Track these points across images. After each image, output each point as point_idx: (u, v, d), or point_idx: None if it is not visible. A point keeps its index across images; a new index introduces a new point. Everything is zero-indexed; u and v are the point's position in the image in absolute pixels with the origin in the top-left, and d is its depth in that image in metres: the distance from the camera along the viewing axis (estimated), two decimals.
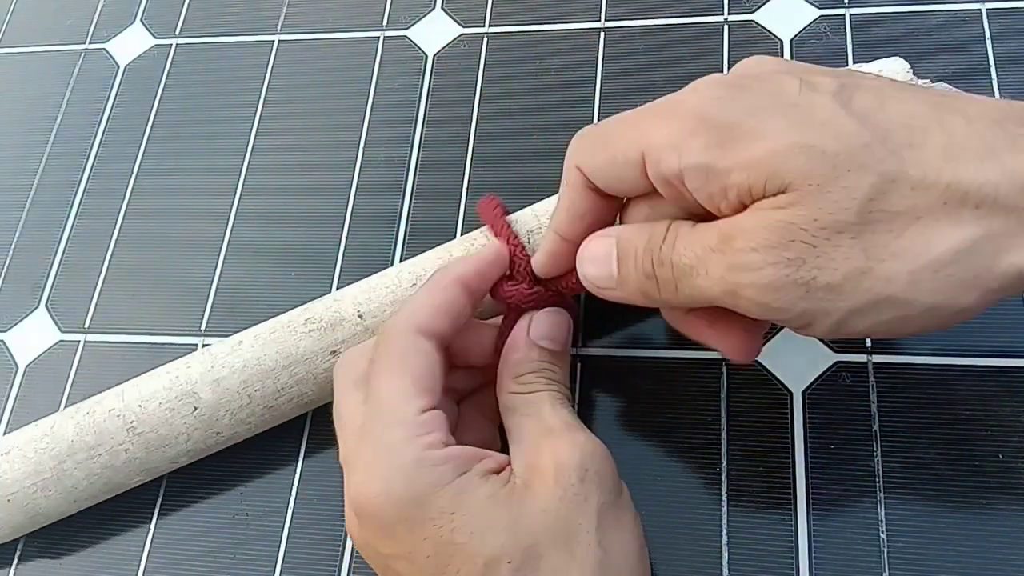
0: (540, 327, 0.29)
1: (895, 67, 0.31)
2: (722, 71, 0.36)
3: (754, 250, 0.21)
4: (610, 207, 0.27)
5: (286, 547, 0.32)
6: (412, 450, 0.25)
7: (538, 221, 0.31)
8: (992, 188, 0.20)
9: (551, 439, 0.26)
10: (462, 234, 0.36)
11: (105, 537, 0.33)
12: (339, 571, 0.31)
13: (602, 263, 0.26)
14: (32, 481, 0.31)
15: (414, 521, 0.24)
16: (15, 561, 0.34)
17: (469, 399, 0.30)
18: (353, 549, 0.31)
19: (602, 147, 0.25)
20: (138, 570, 0.33)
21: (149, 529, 0.33)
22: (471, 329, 0.30)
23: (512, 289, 0.29)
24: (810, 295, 0.21)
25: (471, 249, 0.31)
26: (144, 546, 0.33)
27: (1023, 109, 0.22)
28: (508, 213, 0.31)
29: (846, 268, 0.21)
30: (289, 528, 0.32)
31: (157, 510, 0.34)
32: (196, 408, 0.30)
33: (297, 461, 0.33)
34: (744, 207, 0.22)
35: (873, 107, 0.22)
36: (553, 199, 0.31)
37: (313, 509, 0.33)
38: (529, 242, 0.30)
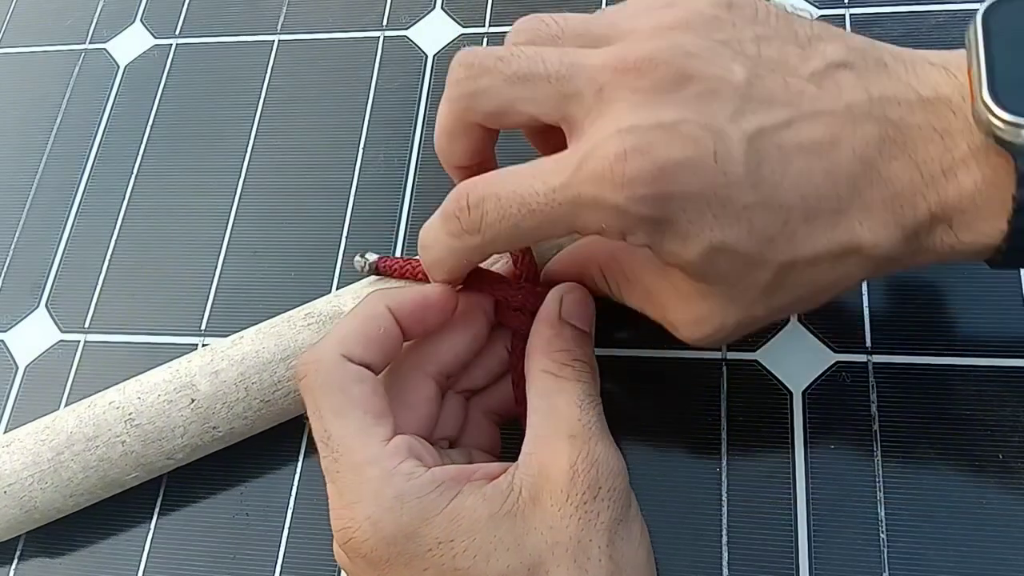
0: (571, 306, 0.28)
1: None
2: None
3: (676, 322, 0.26)
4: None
5: (286, 547, 0.32)
6: (392, 486, 0.24)
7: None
8: (870, 244, 0.23)
9: (571, 446, 0.25)
10: None
11: (105, 537, 0.33)
12: (339, 571, 0.31)
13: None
14: (29, 472, 0.31)
15: (411, 556, 0.23)
16: (15, 561, 0.34)
17: (476, 397, 0.30)
18: None
19: (517, 240, 0.26)
20: (138, 570, 0.33)
21: (149, 529, 0.33)
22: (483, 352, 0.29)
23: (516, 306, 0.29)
24: (724, 339, 0.26)
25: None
26: (144, 546, 0.33)
27: (878, 160, 0.23)
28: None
29: (750, 316, 0.25)
30: (289, 528, 0.32)
31: (157, 510, 0.34)
32: (193, 400, 0.30)
33: (297, 461, 0.33)
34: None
35: (775, 178, 0.23)
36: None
37: (313, 509, 0.33)
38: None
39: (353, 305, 0.30)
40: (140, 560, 0.33)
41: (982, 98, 0.21)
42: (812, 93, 0.23)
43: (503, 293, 0.29)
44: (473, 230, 0.25)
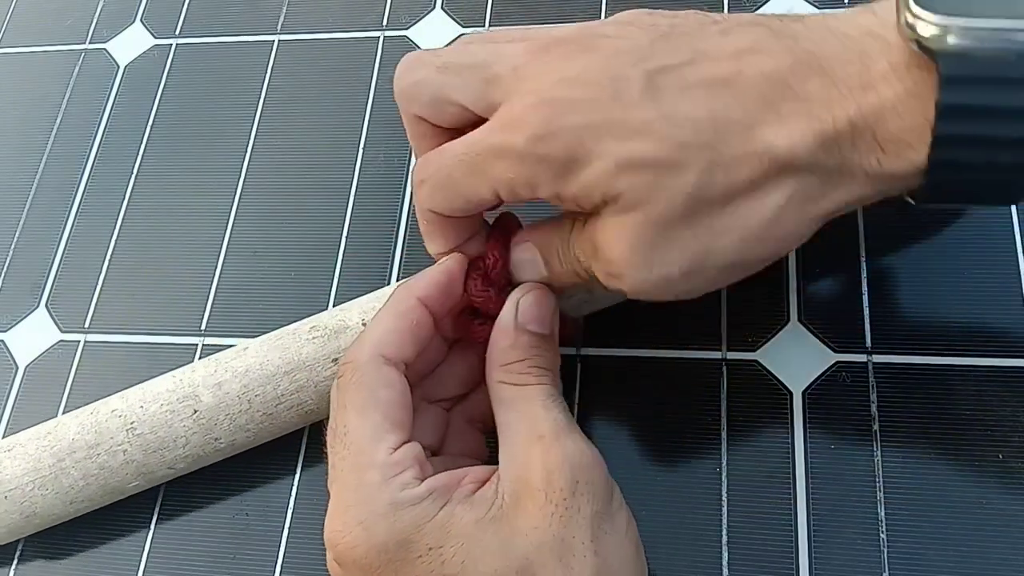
0: (527, 310, 0.28)
1: None
2: None
3: (614, 260, 0.25)
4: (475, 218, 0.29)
5: (286, 547, 0.32)
6: (387, 493, 0.24)
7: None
8: (785, 152, 0.23)
9: (541, 447, 0.25)
10: None
11: (105, 538, 0.33)
12: None
13: (530, 267, 0.28)
14: (31, 478, 0.31)
15: (402, 563, 0.24)
16: (14, 562, 0.34)
17: (458, 407, 0.30)
18: None
19: (453, 195, 0.26)
20: (138, 570, 0.33)
21: (149, 530, 0.33)
22: (445, 362, 0.29)
23: (482, 293, 0.28)
24: (671, 284, 0.25)
25: None
26: (144, 547, 0.33)
27: (806, 57, 0.23)
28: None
29: (691, 255, 0.24)
30: (289, 528, 0.32)
31: (157, 510, 0.34)
32: (196, 411, 0.30)
33: (297, 461, 0.33)
34: (602, 205, 0.25)
35: (678, 98, 0.23)
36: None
37: (313, 509, 0.33)
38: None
39: (359, 319, 0.30)
40: (140, 560, 0.33)
41: (909, 8, 0.21)
42: (716, 40, 0.24)
43: (477, 299, 0.28)
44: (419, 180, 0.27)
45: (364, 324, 0.30)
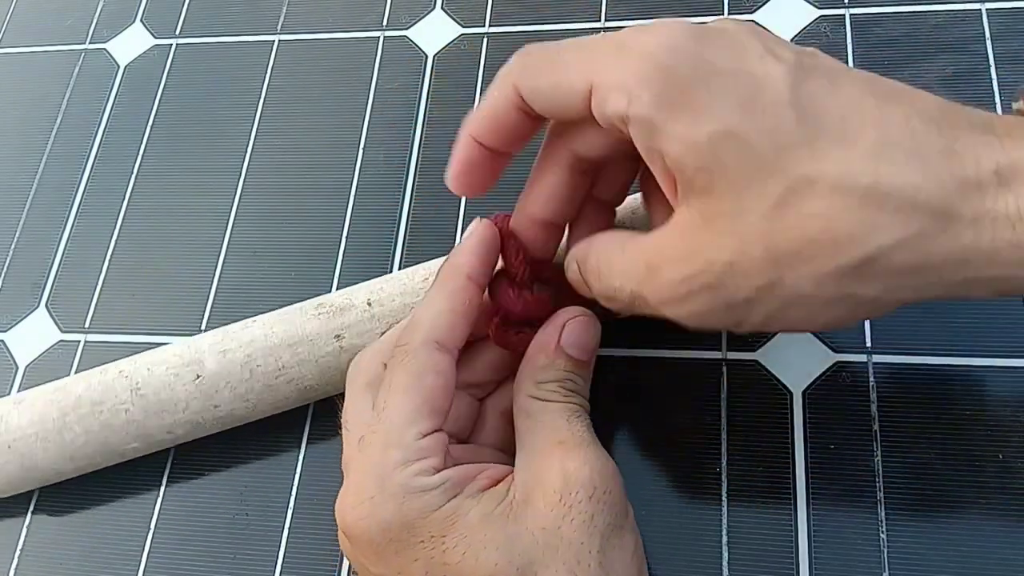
0: (572, 335, 0.28)
1: None
2: None
3: (678, 282, 0.23)
4: (532, 127, 0.26)
5: (286, 547, 0.32)
6: (403, 476, 0.24)
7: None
8: (913, 190, 0.20)
9: (562, 451, 0.25)
10: (462, 234, 0.36)
11: (105, 537, 0.33)
12: (339, 571, 0.31)
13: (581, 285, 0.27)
14: (35, 430, 0.31)
15: (403, 544, 0.24)
16: (15, 561, 0.34)
17: (491, 399, 0.30)
18: None
19: (549, 71, 0.24)
20: (138, 570, 0.33)
21: (149, 529, 0.33)
22: (474, 347, 0.29)
23: (514, 298, 0.28)
24: (732, 310, 0.23)
25: None
26: (144, 546, 0.33)
27: (961, 111, 0.22)
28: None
29: (759, 281, 0.22)
30: (289, 528, 0.32)
31: (157, 510, 0.34)
32: (199, 376, 0.31)
33: (297, 461, 0.33)
34: (673, 181, 0.23)
35: (820, 93, 0.21)
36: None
37: (313, 509, 0.33)
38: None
39: (365, 299, 0.31)
40: (140, 560, 0.33)
41: None
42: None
43: (505, 304, 0.28)
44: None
45: (369, 304, 0.31)
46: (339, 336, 0.31)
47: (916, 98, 0.22)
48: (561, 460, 0.25)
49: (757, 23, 0.38)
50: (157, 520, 0.33)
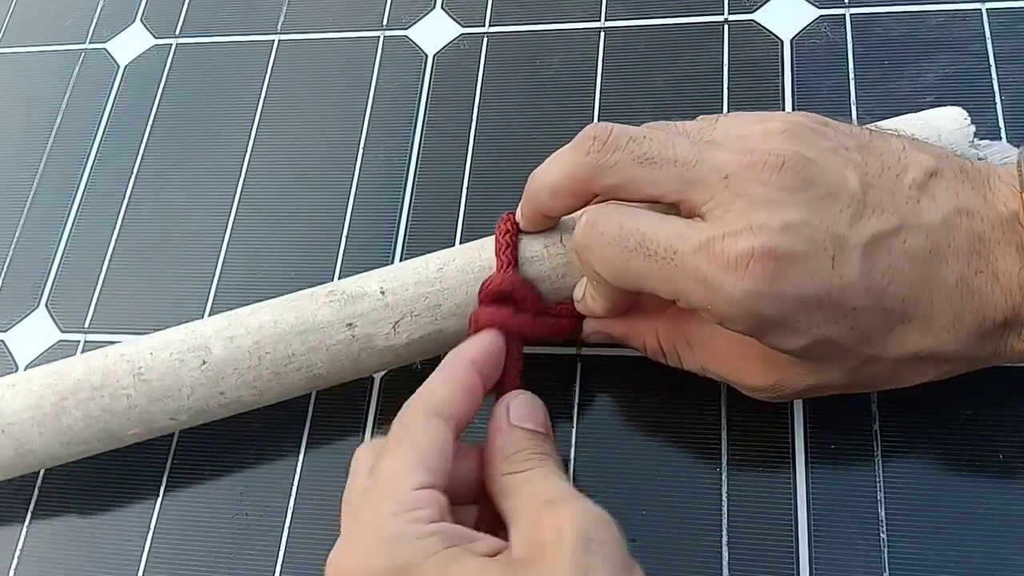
0: (519, 410, 0.28)
1: (952, 114, 0.31)
2: (721, 71, 0.37)
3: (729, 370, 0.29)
4: None
5: (286, 547, 0.32)
6: (396, 525, 0.24)
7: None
8: (951, 352, 0.25)
9: (551, 510, 0.24)
10: (462, 234, 0.36)
11: (105, 537, 0.33)
12: None
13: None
14: (31, 414, 0.30)
15: None
16: (15, 561, 0.34)
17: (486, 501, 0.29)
18: None
19: (621, 272, 0.26)
20: (138, 570, 0.33)
21: (149, 529, 0.33)
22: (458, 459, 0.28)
23: (512, 319, 0.29)
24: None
25: (481, 255, 0.30)
26: (144, 546, 0.33)
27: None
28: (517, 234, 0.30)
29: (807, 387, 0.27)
30: (289, 528, 0.32)
31: (157, 510, 0.34)
32: (205, 362, 0.30)
33: (298, 461, 0.33)
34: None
35: (885, 283, 0.25)
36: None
37: (313, 509, 0.33)
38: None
39: (378, 287, 0.30)
40: (140, 560, 0.33)
41: None
42: (915, 203, 0.25)
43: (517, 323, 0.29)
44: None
45: (382, 292, 0.30)
46: (351, 324, 0.30)
47: (948, 270, 0.25)
48: (552, 519, 0.24)
49: (757, 23, 0.38)
50: (157, 520, 0.34)
